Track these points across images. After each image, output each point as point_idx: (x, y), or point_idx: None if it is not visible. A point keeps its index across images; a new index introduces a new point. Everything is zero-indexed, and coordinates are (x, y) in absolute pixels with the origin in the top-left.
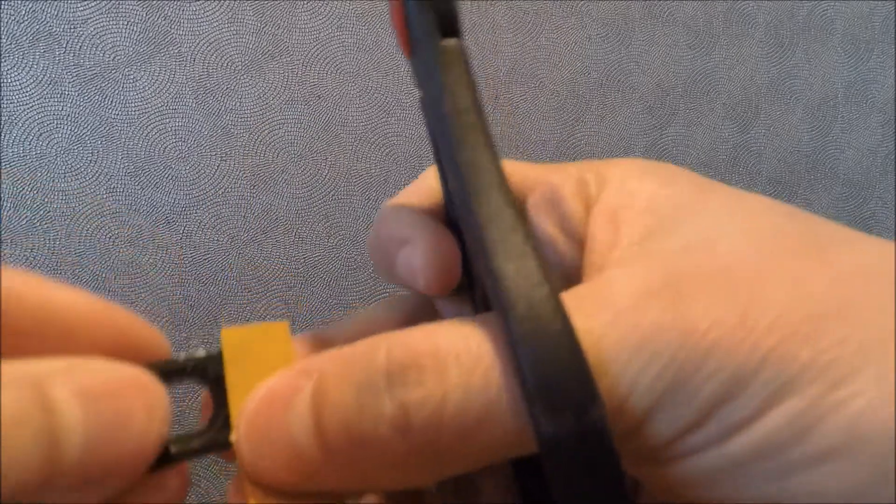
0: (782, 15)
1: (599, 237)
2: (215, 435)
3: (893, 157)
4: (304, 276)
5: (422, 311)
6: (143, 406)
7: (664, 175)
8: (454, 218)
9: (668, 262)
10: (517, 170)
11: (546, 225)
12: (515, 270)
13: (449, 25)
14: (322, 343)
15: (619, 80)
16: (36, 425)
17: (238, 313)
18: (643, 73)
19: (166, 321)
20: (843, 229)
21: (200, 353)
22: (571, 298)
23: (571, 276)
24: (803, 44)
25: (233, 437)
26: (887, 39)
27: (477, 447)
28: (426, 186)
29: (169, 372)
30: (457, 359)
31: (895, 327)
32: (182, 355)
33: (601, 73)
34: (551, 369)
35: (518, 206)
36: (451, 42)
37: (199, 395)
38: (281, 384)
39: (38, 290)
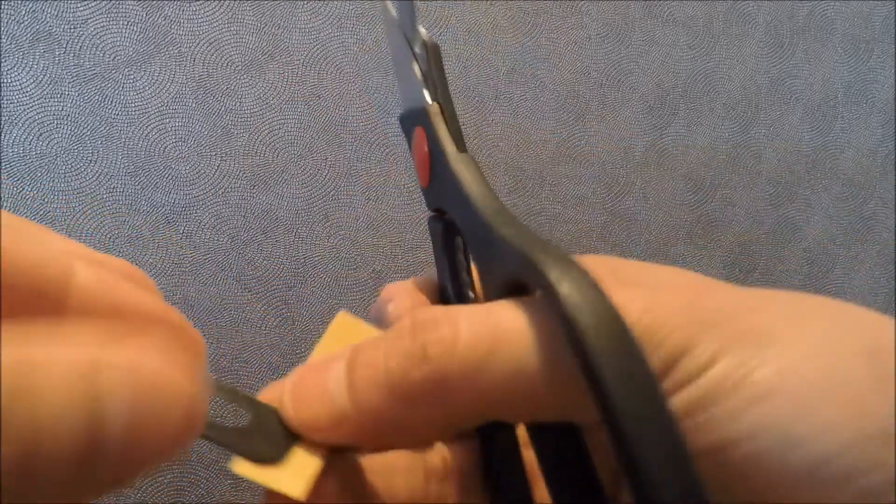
0: (782, 15)
1: None
2: (248, 444)
3: (893, 157)
4: (304, 276)
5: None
6: (187, 398)
7: (614, 260)
8: (447, 296)
9: (635, 285)
10: None
11: None
12: (548, 253)
13: (461, 145)
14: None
15: (619, 80)
16: (82, 412)
17: (238, 313)
18: (643, 73)
19: None
20: None
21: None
22: None
23: None
24: (803, 44)
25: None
26: (887, 39)
27: (483, 387)
28: (429, 277)
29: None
30: (469, 315)
31: (798, 317)
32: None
33: (601, 73)
34: (574, 281)
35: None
36: (465, 154)
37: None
38: (325, 356)
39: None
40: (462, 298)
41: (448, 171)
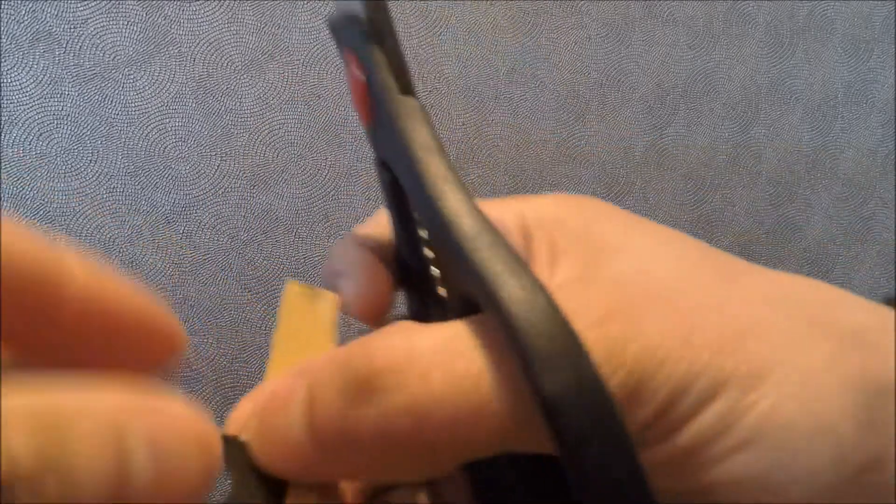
0: (782, 15)
1: (538, 269)
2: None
3: (893, 157)
4: (303, 276)
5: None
6: (201, 455)
7: (593, 211)
8: (402, 254)
9: (609, 292)
10: None
11: None
12: (509, 275)
13: (406, 84)
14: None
15: (619, 80)
16: (109, 469)
17: (238, 313)
18: (643, 73)
19: None
20: (744, 262)
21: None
22: None
23: None
24: (803, 44)
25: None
26: (887, 39)
27: (461, 440)
28: (381, 222)
29: None
30: (434, 357)
31: (790, 342)
32: None
33: (601, 73)
34: (545, 336)
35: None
36: (410, 98)
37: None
38: (282, 386)
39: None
40: (419, 259)
41: (391, 124)
